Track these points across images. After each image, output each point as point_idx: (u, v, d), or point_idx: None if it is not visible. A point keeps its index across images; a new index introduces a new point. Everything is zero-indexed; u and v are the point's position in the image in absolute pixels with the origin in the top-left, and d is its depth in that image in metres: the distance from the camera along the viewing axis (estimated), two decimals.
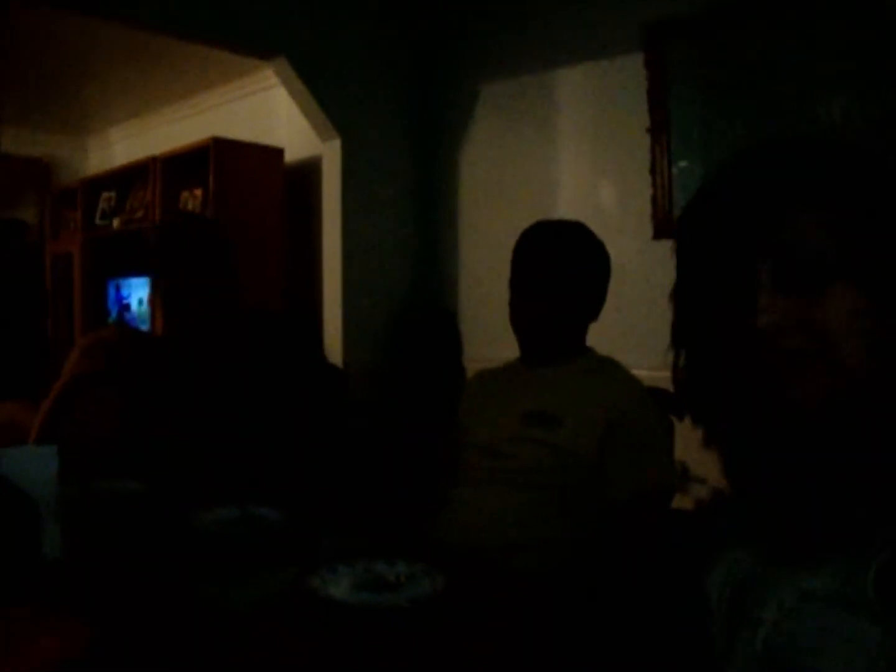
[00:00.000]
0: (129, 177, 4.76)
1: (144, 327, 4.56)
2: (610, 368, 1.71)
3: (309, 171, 4.09)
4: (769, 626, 0.76)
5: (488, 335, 1.81)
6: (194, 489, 1.91)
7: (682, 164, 2.90)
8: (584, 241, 1.74)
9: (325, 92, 3.48)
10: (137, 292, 4.71)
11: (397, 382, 3.44)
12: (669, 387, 2.08)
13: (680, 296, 0.84)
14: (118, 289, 4.88)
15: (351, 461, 2.25)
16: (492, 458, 1.67)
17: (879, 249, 0.71)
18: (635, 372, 1.75)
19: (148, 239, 4.30)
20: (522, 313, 1.71)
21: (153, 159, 4.38)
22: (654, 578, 1.42)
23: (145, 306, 4.61)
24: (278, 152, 4.16)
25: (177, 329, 2.32)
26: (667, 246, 2.73)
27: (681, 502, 2.15)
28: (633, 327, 2.70)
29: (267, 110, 4.46)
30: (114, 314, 4.87)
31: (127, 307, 4.80)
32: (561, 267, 1.68)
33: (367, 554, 1.33)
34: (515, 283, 1.73)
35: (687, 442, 2.01)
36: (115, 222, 4.80)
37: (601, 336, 1.88)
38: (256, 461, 2.06)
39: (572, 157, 3.24)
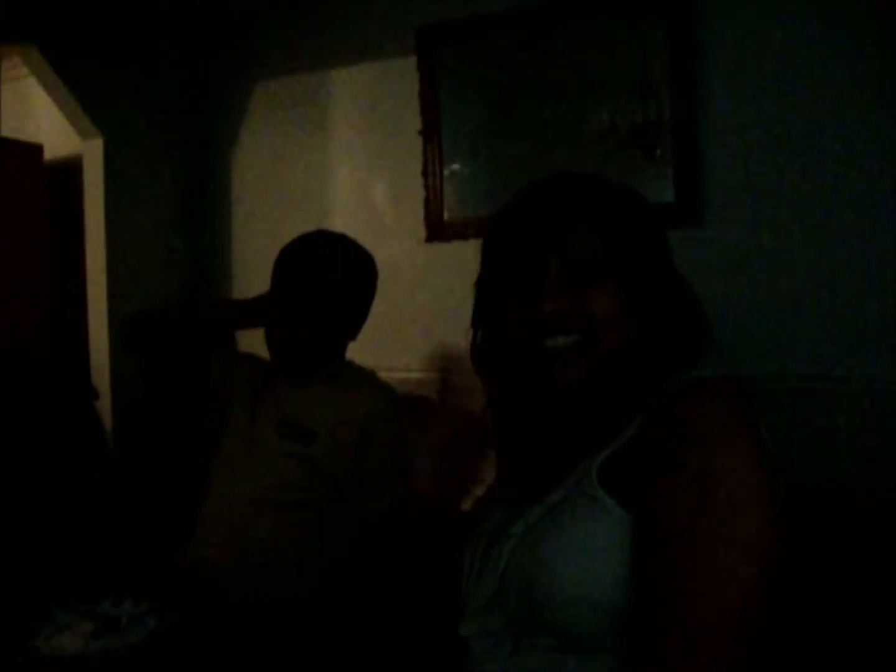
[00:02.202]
0: None
1: None
2: (364, 381, 1.69)
3: (71, 171, 3.80)
4: (513, 540, 0.94)
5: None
6: None
7: (454, 166, 2.94)
8: (351, 258, 1.70)
9: (84, 86, 3.22)
10: None
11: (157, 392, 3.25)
12: (436, 389, 2.09)
13: (482, 285, 1.07)
14: None
15: (108, 494, 2.11)
16: (245, 474, 1.60)
17: (630, 259, 0.95)
18: (405, 374, 1.74)
19: None
20: (281, 331, 1.64)
21: None
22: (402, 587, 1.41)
23: None
24: (37, 149, 3.83)
25: None
26: (439, 249, 2.78)
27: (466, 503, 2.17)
28: (405, 329, 2.70)
29: (24, 101, 4.10)
30: None
31: None
32: (327, 281, 1.63)
33: (93, 595, 1.23)
34: (275, 299, 1.65)
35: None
36: None
37: (372, 338, 1.85)
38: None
39: (347, 158, 3.21)
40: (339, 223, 3.18)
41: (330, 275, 1.65)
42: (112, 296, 3.27)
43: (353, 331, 1.71)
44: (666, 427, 0.87)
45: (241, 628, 1.21)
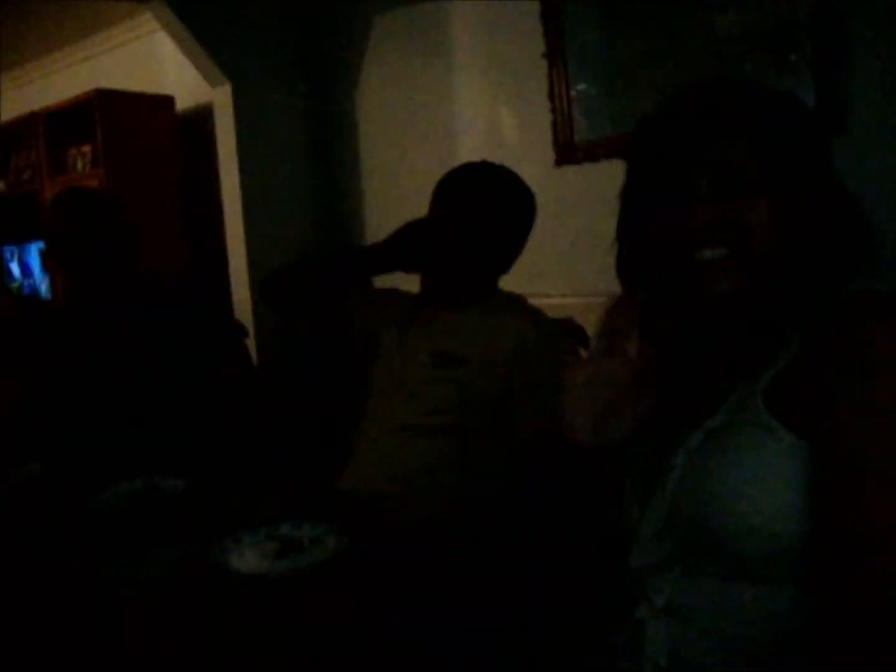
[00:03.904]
0: (12, 135, 4.49)
1: (44, 295, 4.39)
2: (514, 305, 1.69)
3: (201, 119, 3.91)
4: (679, 469, 0.92)
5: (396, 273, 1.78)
6: (99, 464, 1.85)
7: (581, 87, 2.86)
8: (515, 192, 1.69)
9: (209, 34, 3.30)
10: (34, 258, 4.51)
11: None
12: (580, 312, 2.06)
13: (628, 197, 1.01)
14: (13, 256, 4.66)
15: (263, 422, 2.20)
16: (398, 402, 1.64)
17: (786, 170, 0.89)
18: (543, 300, 1.74)
19: (40, 207, 4.12)
20: (440, 256, 1.65)
21: (35, 115, 4.14)
22: (560, 518, 1.42)
23: (42, 274, 4.42)
24: (168, 101, 3.97)
25: (74, 298, 2.23)
26: (569, 172, 2.71)
27: None
28: (539, 255, 2.68)
29: (154, 56, 4.23)
30: (17, 282, 4.66)
31: (28, 273, 4.59)
32: (490, 214, 1.63)
33: (272, 517, 1.30)
34: (436, 224, 1.65)
35: None
36: (1, 185, 4.55)
37: None
38: (162, 429, 2.00)
39: (471, 85, 3.16)
40: (465, 151, 3.16)
41: (494, 206, 1.64)
42: (249, 236, 3.39)
43: (508, 264, 1.71)
44: (843, 349, 0.82)
45: (411, 551, 1.25)
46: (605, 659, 0.99)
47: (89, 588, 1.20)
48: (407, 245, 1.66)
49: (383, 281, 1.87)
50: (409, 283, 1.85)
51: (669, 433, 0.96)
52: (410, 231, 1.67)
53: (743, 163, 0.89)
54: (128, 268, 2.14)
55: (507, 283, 1.90)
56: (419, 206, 1.80)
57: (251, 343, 3.08)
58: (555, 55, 2.88)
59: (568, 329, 1.70)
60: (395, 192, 3.39)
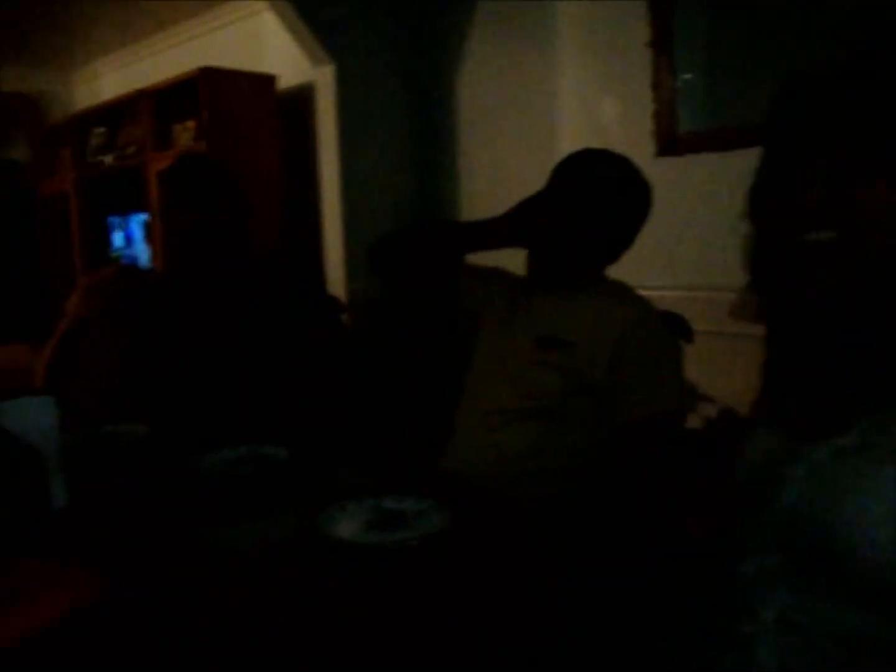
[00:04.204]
0: (119, 111, 4.65)
1: (145, 265, 4.54)
2: (621, 293, 1.68)
3: (302, 98, 3.98)
4: (800, 482, 0.87)
5: (488, 257, 1.78)
6: (200, 429, 1.91)
7: (686, 77, 2.81)
8: (638, 185, 1.68)
9: (315, 15, 3.36)
10: (137, 230, 4.67)
11: (402, 309, 3.39)
12: (679, 306, 2.04)
13: (755, 187, 0.98)
14: (117, 227, 4.83)
15: (356, 394, 2.24)
16: (500, 384, 1.65)
17: None
18: (642, 292, 1.72)
19: (145, 180, 4.26)
20: (552, 235, 1.64)
21: (142, 93, 4.27)
22: (662, 501, 1.41)
23: (145, 244, 4.57)
24: (270, 80, 4.05)
25: (184, 263, 2.28)
26: (670, 163, 2.67)
27: (690, 421, 2.14)
28: (637, 247, 2.66)
29: (257, 36, 4.32)
30: (117, 252, 4.84)
31: (130, 244, 4.76)
32: (612, 202, 1.63)
33: (376, 490, 1.33)
34: (553, 204, 1.64)
35: (696, 361, 2.00)
36: (108, 159, 4.71)
37: None
38: (261, 398, 2.05)
39: (572, 73, 3.14)
40: (564, 140, 3.15)
41: (617, 195, 1.64)
42: (345, 216, 3.44)
43: (618, 254, 1.70)
44: None
45: (514, 530, 1.26)
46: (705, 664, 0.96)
47: (199, 549, 1.23)
48: (525, 220, 1.66)
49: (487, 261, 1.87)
50: (513, 265, 1.85)
51: (787, 439, 0.93)
52: (529, 206, 1.67)
53: (864, 147, 0.85)
54: (240, 236, 2.19)
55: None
56: (517, 195, 1.79)
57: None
58: (660, 44, 2.83)
59: (672, 320, 1.68)
60: (492, 179, 3.40)
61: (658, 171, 2.81)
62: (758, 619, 0.90)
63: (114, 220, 4.83)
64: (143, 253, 4.62)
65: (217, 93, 3.85)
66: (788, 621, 0.88)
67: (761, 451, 0.97)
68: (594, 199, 1.61)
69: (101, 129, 4.85)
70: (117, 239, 4.82)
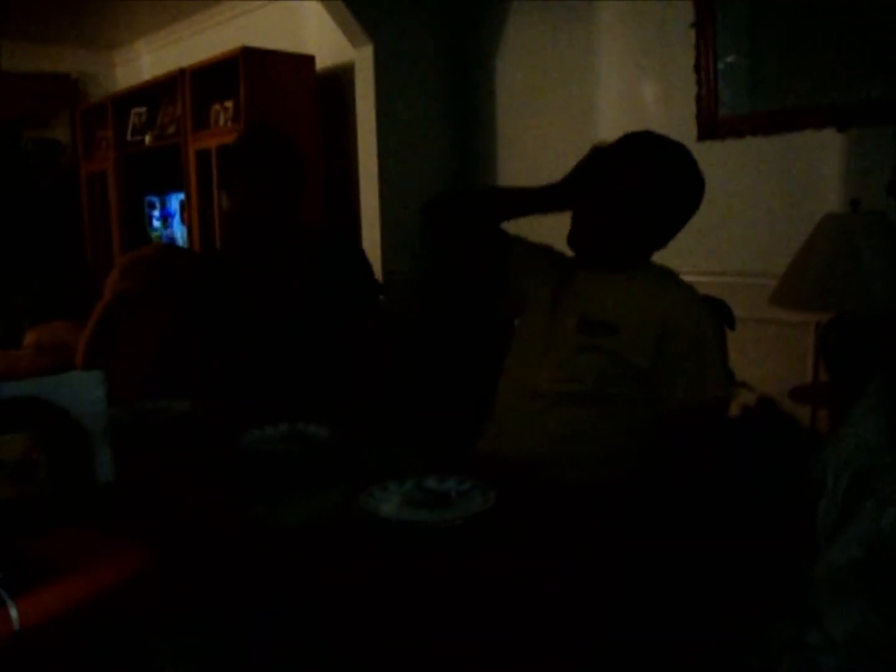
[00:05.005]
0: (159, 91, 4.69)
1: (182, 243, 4.58)
2: (666, 277, 1.66)
3: (341, 79, 3.99)
4: None
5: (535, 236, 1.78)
6: (241, 405, 1.93)
7: (729, 59, 2.77)
8: (693, 173, 1.66)
9: None
10: (174, 209, 4.71)
11: (438, 290, 3.40)
12: (719, 292, 2.02)
13: None
14: (155, 206, 4.88)
15: (394, 375, 2.24)
16: (542, 366, 1.64)
17: None
18: (685, 277, 1.70)
19: (182, 160, 4.29)
20: (601, 217, 1.63)
21: (181, 72, 4.30)
22: (708, 486, 1.40)
23: (182, 224, 4.61)
24: (309, 60, 4.05)
25: (236, 240, 2.29)
26: (711, 147, 2.64)
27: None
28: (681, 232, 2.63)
29: (296, 16, 4.33)
30: (156, 232, 4.89)
31: (167, 224, 4.81)
32: (662, 188, 1.60)
33: (417, 470, 1.33)
34: (605, 186, 1.62)
35: (737, 349, 1.99)
36: (147, 138, 4.75)
37: None
38: (302, 377, 2.07)
39: (613, 54, 3.11)
40: (603, 122, 3.12)
41: (672, 181, 1.61)
42: (383, 196, 3.44)
43: (667, 240, 1.68)
44: None
45: (555, 512, 1.27)
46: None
47: (244, 524, 1.25)
48: (581, 182, 1.64)
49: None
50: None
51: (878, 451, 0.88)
52: (585, 169, 1.65)
53: None
54: (296, 212, 2.19)
55: None
56: (556, 177, 1.75)
57: None
58: (704, 25, 2.79)
59: (715, 306, 1.67)
60: (531, 161, 3.38)
61: (699, 156, 2.79)
62: (824, 629, 0.84)
63: (152, 199, 4.88)
64: (179, 233, 4.66)
65: (257, 73, 3.86)
66: (861, 638, 0.82)
67: (847, 452, 0.92)
68: (653, 183, 1.59)
69: (142, 109, 4.89)
70: (155, 218, 4.87)
